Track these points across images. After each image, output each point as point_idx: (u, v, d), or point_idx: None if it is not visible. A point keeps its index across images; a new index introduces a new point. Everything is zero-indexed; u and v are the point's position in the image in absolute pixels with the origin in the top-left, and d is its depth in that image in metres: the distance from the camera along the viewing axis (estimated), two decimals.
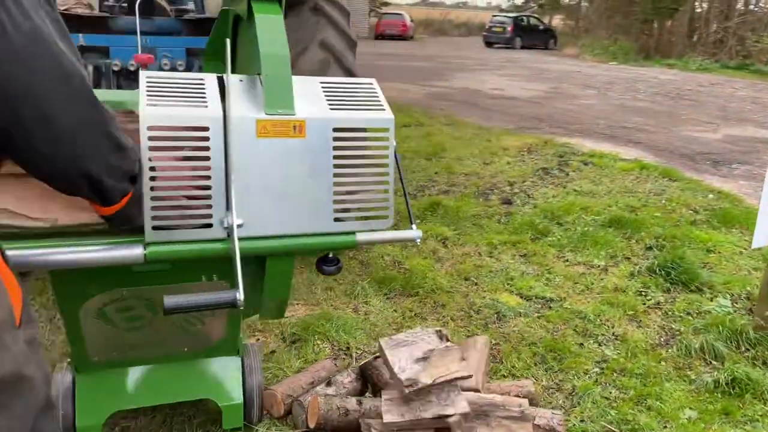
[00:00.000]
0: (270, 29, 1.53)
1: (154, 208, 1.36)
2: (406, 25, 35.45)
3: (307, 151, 1.48)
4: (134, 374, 2.09)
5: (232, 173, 1.41)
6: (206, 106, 1.42)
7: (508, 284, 3.77)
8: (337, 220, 1.55)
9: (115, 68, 3.52)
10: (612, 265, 4.10)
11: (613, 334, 3.23)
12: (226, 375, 2.20)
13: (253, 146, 1.44)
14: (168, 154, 1.38)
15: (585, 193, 5.63)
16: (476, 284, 3.77)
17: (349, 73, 3.49)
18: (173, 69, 3.55)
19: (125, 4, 3.78)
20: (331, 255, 1.62)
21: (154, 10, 3.77)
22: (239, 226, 1.42)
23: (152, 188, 1.34)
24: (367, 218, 1.58)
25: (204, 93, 1.46)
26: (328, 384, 2.54)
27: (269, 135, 1.45)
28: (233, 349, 2.15)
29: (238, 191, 1.43)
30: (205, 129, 1.39)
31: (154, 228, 1.37)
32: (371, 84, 1.65)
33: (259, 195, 1.46)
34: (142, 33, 3.62)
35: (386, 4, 42.85)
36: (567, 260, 4.18)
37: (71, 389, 2.02)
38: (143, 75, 1.46)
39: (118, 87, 3.58)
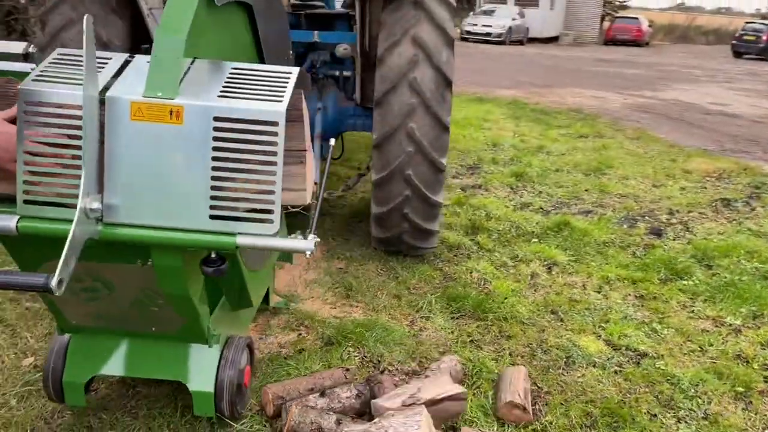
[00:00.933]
0: (177, 9, 1.45)
1: (25, 182, 1.37)
2: (641, 30, 32.60)
3: (183, 140, 1.38)
4: (117, 344, 2.18)
5: (104, 155, 1.37)
6: (81, 86, 1.40)
7: (599, 327, 3.20)
8: (214, 217, 1.42)
9: None
10: (749, 326, 3.24)
11: (705, 412, 2.55)
12: (200, 363, 2.19)
13: (126, 129, 1.38)
14: (44, 131, 1.39)
15: (762, 235, 4.55)
16: (561, 320, 3.27)
17: (439, 71, 3.27)
18: None
19: None
20: (213, 255, 1.49)
21: None
22: (94, 209, 1.37)
23: (25, 162, 1.35)
24: (247, 220, 1.42)
25: (97, 72, 1.44)
26: (322, 394, 2.40)
27: (143, 118, 1.38)
28: (201, 338, 2.13)
29: (110, 175, 1.38)
30: (78, 107, 1.37)
31: (26, 202, 1.39)
32: (288, 74, 1.48)
33: (129, 181, 1.39)
34: None
35: (624, 8, 39.87)
36: (693, 311, 3.41)
37: (65, 347, 2.19)
38: (56, 51, 1.49)
39: None
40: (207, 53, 1.60)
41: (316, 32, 3.69)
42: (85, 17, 1.33)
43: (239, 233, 1.43)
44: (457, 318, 3.25)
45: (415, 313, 3.27)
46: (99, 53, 1.53)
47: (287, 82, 1.46)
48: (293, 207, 1.64)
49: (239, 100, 1.40)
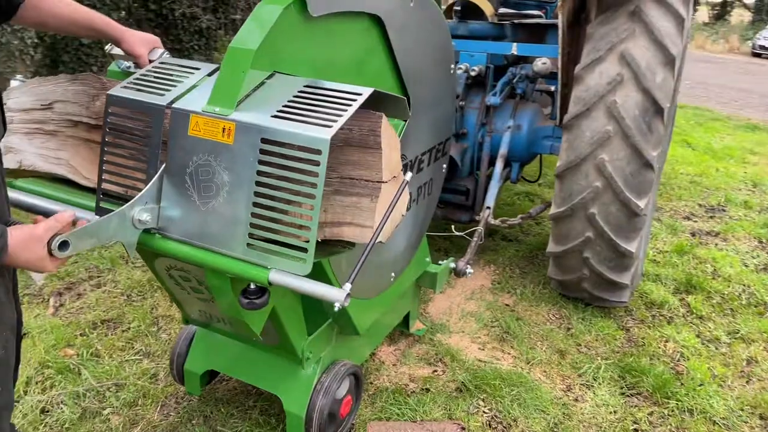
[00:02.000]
0: (257, 19, 1.35)
1: (104, 180, 1.42)
2: None
3: (231, 159, 1.28)
4: (231, 345, 2.22)
5: (162, 165, 1.34)
6: (162, 95, 1.38)
7: None
8: (251, 246, 1.29)
9: None
10: None
11: None
12: (296, 383, 2.12)
13: (183, 142, 1.32)
14: (122, 136, 1.41)
15: None
16: None
17: (648, 95, 2.71)
18: (466, 72, 3.45)
19: (458, 8, 3.83)
20: (252, 286, 1.36)
21: (472, 13, 3.70)
22: (142, 221, 1.34)
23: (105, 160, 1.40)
24: (279, 254, 1.26)
25: (179, 83, 1.41)
26: None
27: (200, 133, 1.30)
28: (294, 358, 2.04)
29: (166, 186, 1.35)
30: (149, 115, 1.36)
31: (103, 195, 1.43)
32: (356, 95, 1.28)
33: (180, 197, 1.34)
34: (460, 37, 3.62)
35: None
36: None
37: (191, 337, 2.31)
38: (159, 60, 1.51)
39: None
40: (297, 69, 1.48)
41: (515, 44, 3.37)
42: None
43: (273, 269, 1.28)
44: (627, 395, 2.68)
45: (575, 377, 2.78)
46: (190, 63, 1.52)
47: (349, 106, 1.26)
48: (356, 242, 1.43)
49: (290, 122, 1.24)
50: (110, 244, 1.36)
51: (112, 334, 2.86)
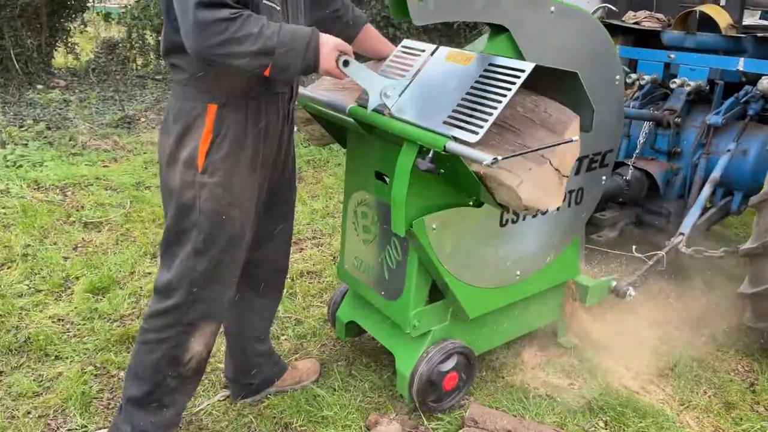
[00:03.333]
0: None
1: None
2: None
3: (463, 75, 1.89)
4: (368, 303, 2.60)
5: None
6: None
7: None
8: (446, 123, 1.79)
9: (642, 82, 3.43)
10: None
11: None
12: (409, 348, 2.40)
13: (439, 66, 1.98)
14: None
15: None
16: None
17: None
18: (681, 86, 3.18)
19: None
20: (430, 154, 1.79)
21: (704, 25, 3.30)
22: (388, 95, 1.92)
23: None
24: (460, 127, 1.75)
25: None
26: None
27: (452, 59, 1.95)
28: (405, 321, 2.30)
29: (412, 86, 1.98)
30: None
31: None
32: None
33: (415, 92, 1.94)
34: (687, 50, 3.36)
35: None
36: None
37: (346, 291, 2.77)
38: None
39: (645, 102, 3.51)
40: None
41: (742, 59, 3.00)
42: None
43: (452, 137, 1.74)
44: None
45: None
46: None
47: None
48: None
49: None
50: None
51: (309, 283, 3.51)
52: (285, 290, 3.30)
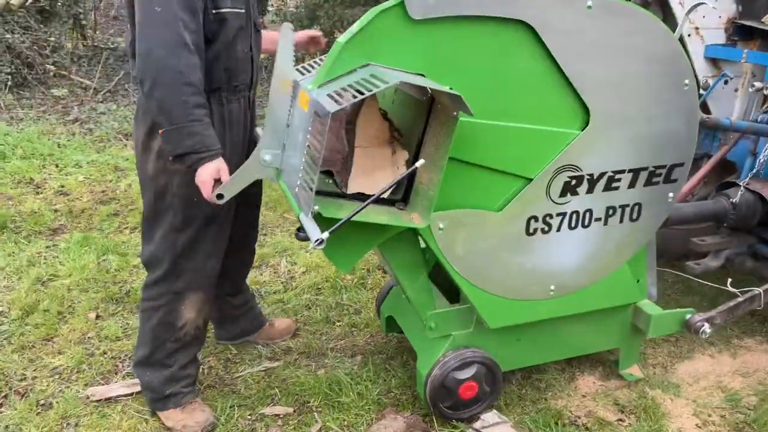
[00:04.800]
0: (360, 21, 1.72)
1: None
2: None
3: (304, 121, 1.78)
4: (405, 299, 2.60)
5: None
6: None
7: None
8: (298, 187, 1.77)
9: (766, 92, 2.91)
10: None
11: None
12: (429, 349, 2.35)
13: (295, 109, 1.85)
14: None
15: None
16: None
17: None
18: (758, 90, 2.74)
19: None
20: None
21: None
22: (265, 160, 1.94)
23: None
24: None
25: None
26: None
27: (300, 102, 1.81)
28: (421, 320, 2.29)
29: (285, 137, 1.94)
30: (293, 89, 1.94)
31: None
32: (384, 83, 1.52)
33: (287, 149, 1.90)
34: None
35: None
36: None
37: (391, 286, 2.79)
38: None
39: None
40: (408, 65, 1.77)
41: (746, 51, 2.69)
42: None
43: (302, 212, 1.72)
44: None
45: None
46: None
47: (369, 91, 1.51)
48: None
49: (330, 99, 1.58)
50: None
51: (382, 276, 3.57)
52: (356, 280, 3.42)
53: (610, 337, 2.57)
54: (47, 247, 3.81)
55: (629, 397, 2.58)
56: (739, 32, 3.26)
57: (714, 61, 3.28)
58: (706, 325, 2.42)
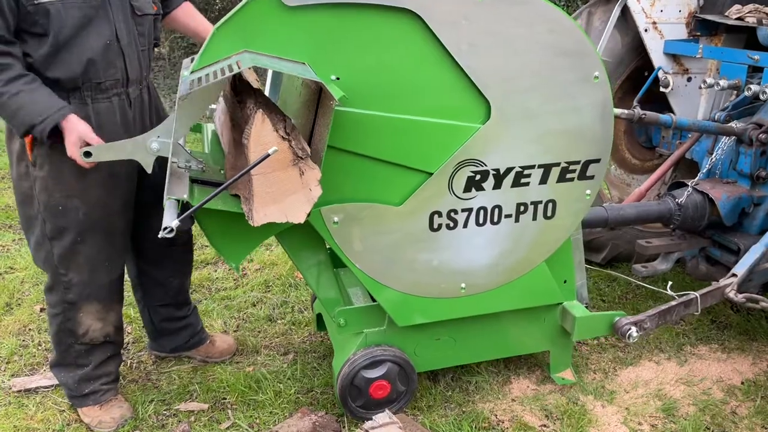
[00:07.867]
0: (235, 9, 1.70)
1: None
2: None
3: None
4: None
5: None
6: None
7: None
8: None
9: (717, 88, 2.78)
10: None
11: None
12: (343, 346, 2.32)
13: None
14: None
15: None
16: None
17: None
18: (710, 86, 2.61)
19: None
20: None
21: None
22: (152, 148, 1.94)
23: None
24: None
25: None
26: None
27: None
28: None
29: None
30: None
31: None
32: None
33: None
34: None
35: None
36: None
37: None
38: None
39: (737, 113, 2.84)
40: (289, 52, 1.73)
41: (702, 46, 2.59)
42: None
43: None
44: None
45: None
46: None
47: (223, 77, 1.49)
48: None
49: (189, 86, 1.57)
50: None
51: None
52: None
53: (538, 338, 2.49)
54: (13, 240, 3.89)
55: (559, 402, 2.49)
56: (703, 27, 3.15)
57: (675, 57, 3.17)
58: (634, 328, 2.32)
